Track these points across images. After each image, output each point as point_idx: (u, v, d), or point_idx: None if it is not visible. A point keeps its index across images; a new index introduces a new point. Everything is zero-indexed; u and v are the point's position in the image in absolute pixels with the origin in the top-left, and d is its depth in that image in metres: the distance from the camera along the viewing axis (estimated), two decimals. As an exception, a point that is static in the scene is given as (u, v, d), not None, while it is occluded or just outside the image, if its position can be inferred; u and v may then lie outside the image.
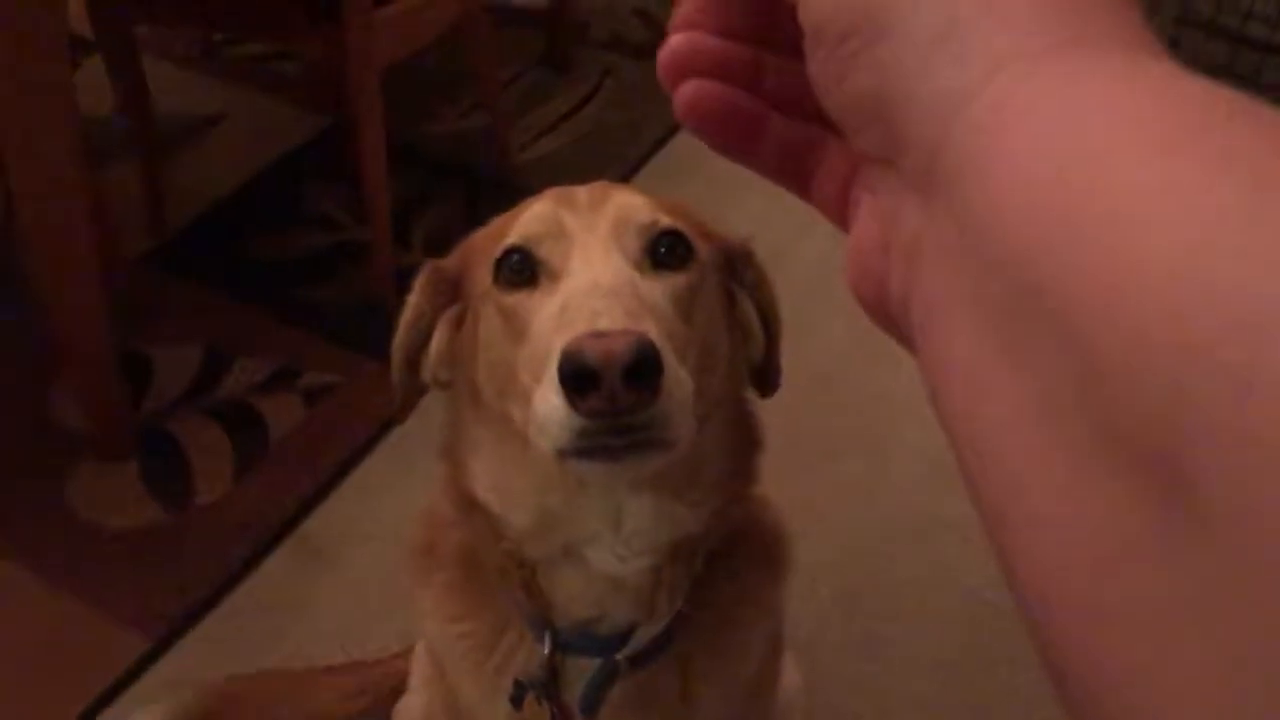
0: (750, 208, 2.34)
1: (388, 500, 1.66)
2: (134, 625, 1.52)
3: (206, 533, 1.63)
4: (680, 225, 0.75)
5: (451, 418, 0.84)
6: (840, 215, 0.34)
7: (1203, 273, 0.19)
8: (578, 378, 0.61)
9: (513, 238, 0.75)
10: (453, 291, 0.83)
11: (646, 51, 2.70)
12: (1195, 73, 0.23)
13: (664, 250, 0.74)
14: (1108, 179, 0.21)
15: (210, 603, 1.55)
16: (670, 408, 0.63)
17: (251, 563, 1.60)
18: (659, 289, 0.72)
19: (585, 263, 0.71)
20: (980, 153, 0.24)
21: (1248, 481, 0.17)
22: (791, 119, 0.35)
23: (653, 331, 0.63)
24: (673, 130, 2.47)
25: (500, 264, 0.75)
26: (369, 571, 1.58)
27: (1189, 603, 0.18)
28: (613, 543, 0.77)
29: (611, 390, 0.60)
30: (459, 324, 0.82)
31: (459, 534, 0.85)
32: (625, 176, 2.33)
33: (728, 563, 0.85)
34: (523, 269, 0.74)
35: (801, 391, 1.95)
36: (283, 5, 1.74)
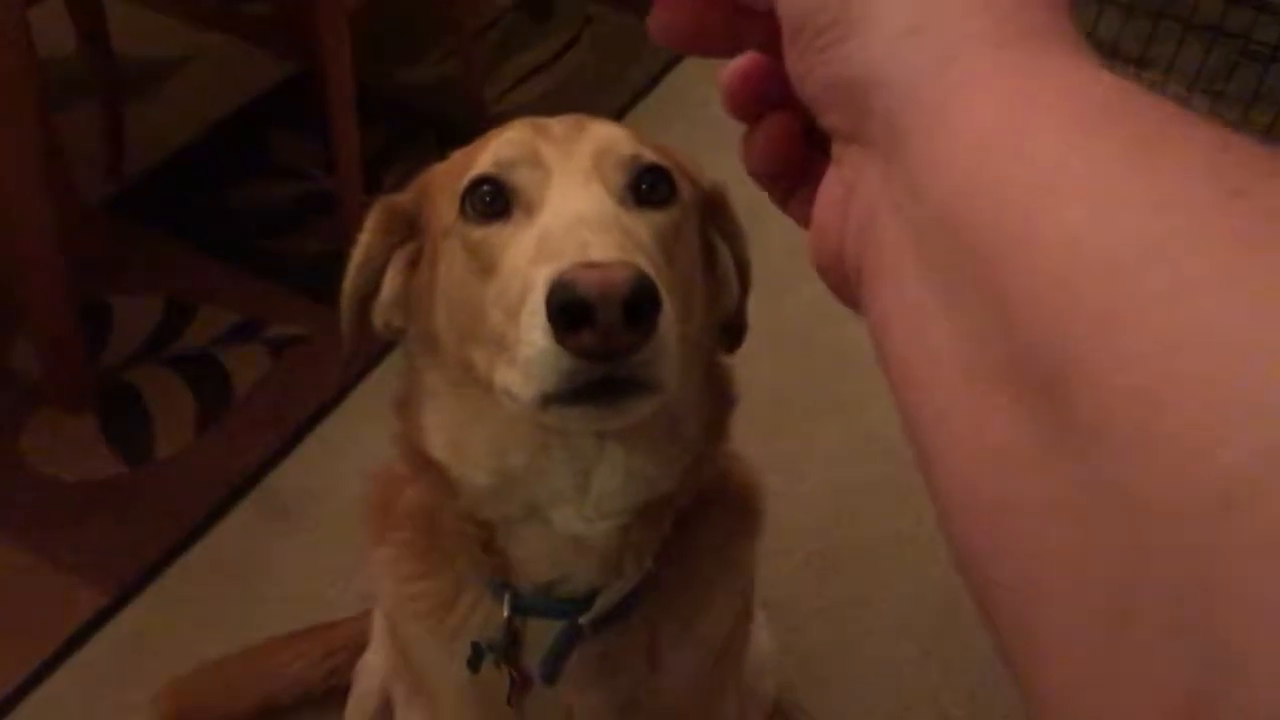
0: (731, 162, 2.28)
1: (354, 456, 1.61)
2: (90, 580, 1.48)
3: (167, 487, 1.59)
4: (665, 160, 0.70)
5: (405, 368, 0.80)
6: (804, 213, 0.37)
7: (1089, 241, 0.23)
8: (569, 311, 0.55)
9: (483, 166, 0.69)
10: (407, 229, 0.77)
11: (629, 1, 2.64)
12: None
13: (646, 186, 0.69)
14: (1031, 152, 0.25)
15: (169, 559, 1.51)
16: (664, 348, 0.58)
17: (212, 519, 1.56)
18: (642, 226, 0.66)
19: (565, 194, 0.65)
20: (930, 124, 0.28)
21: (1112, 408, 0.21)
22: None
23: (646, 267, 0.58)
24: (654, 81, 2.42)
25: (468, 194, 0.69)
26: (333, 529, 1.54)
27: (1065, 502, 0.22)
28: (579, 504, 0.73)
29: (608, 327, 0.55)
30: (414, 265, 0.77)
31: (415, 491, 0.81)
32: (603, 128, 2.27)
33: (698, 520, 0.81)
34: (494, 199, 0.68)
35: (780, 350, 1.92)
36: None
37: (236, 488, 1.59)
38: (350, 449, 1.64)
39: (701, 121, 2.34)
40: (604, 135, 0.70)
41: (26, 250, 1.55)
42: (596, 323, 0.55)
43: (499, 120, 2.40)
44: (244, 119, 2.23)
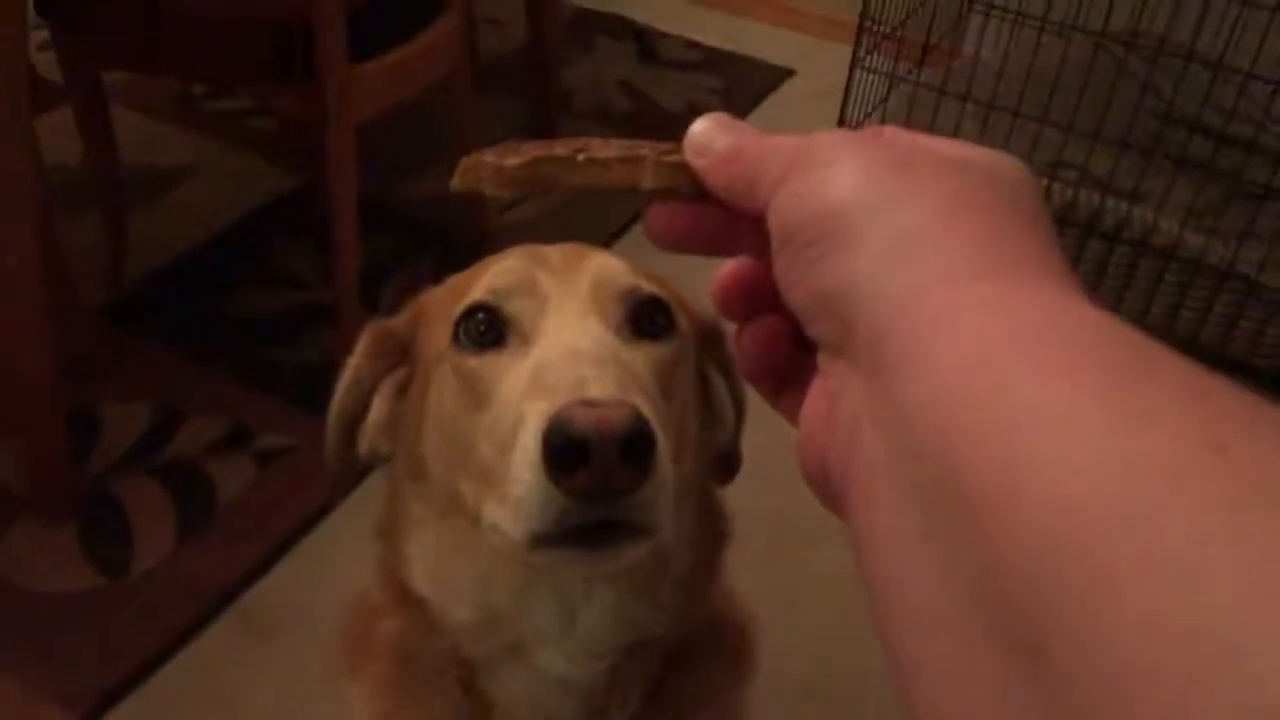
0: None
1: (338, 574, 1.56)
2: (57, 698, 1.42)
3: (143, 601, 1.54)
4: (664, 293, 0.69)
5: (389, 494, 0.77)
6: (794, 412, 0.37)
7: (1071, 506, 0.23)
8: (564, 451, 0.53)
9: (479, 293, 0.67)
10: (399, 354, 0.76)
11: (630, 122, 2.69)
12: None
13: (644, 318, 0.67)
14: (1011, 398, 0.25)
15: (141, 677, 1.46)
16: (660, 491, 0.56)
17: (187, 635, 1.51)
18: (640, 359, 0.65)
19: (561, 325, 0.63)
20: (912, 354, 0.28)
21: (1097, 690, 0.21)
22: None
23: (643, 406, 0.56)
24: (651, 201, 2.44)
25: (463, 322, 0.67)
26: (312, 650, 1.49)
27: None
28: (564, 644, 0.70)
29: (605, 467, 0.53)
30: (404, 390, 0.75)
31: (394, 622, 0.78)
32: (603, 245, 2.27)
33: (687, 662, 0.78)
34: (489, 328, 0.66)
35: (776, 477, 1.89)
36: (257, 58, 1.70)
37: (214, 603, 1.55)
38: (335, 565, 1.60)
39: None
40: (602, 266, 0.69)
41: (18, 360, 1.54)
42: (592, 463, 0.53)
43: (501, 237, 2.41)
44: (245, 229, 2.25)
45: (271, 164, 2.41)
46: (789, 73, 2.96)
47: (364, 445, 0.76)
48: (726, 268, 0.39)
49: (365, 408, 0.75)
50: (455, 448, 0.67)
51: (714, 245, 0.39)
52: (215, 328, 2.01)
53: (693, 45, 3.05)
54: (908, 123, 2.20)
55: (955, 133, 2.17)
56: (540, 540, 0.56)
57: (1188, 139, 2.16)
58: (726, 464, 0.80)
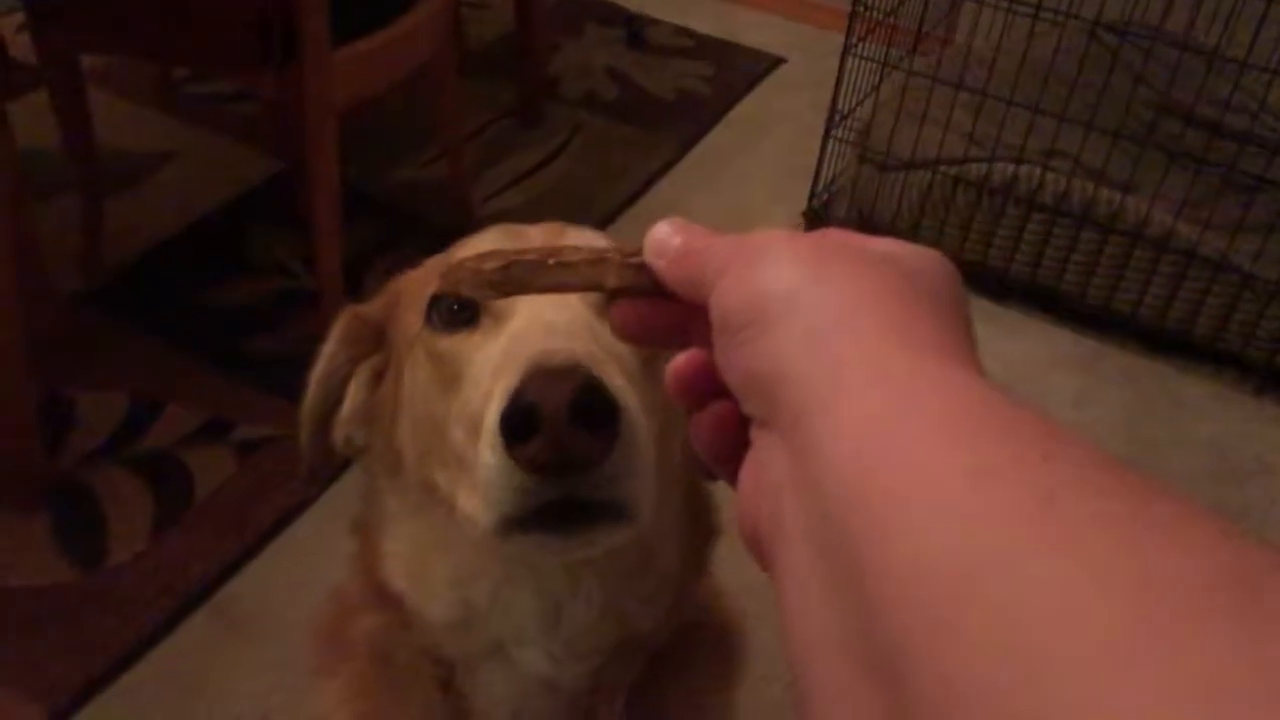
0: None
1: (317, 567, 1.54)
2: (28, 695, 1.39)
3: (117, 595, 1.51)
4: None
5: (366, 487, 0.74)
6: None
7: (918, 543, 0.26)
8: (518, 420, 0.50)
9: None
10: (374, 341, 0.73)
11: (617, 110, 2.65)
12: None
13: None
14: (890, 459, 0.28)
15: (114, 672, 1.42)
16: (630, 462, 0.52)
17: (163, 630, 1.48)
18: None
19: (536, 301, 0.61)
20: (823, 425, 0.31)
21: (941, 691, 0.24)
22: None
23: (612, 374, 0.54)
24: (640, 190, 2.42)
25: (435, 302, 0.65)
26: (290, 645, 1.46)
27: None
28: (547, 643, 0.67)
29: (555, 431, 0.49)
30: (378, 378, 0.72)
31: (370, 619, 0.75)
32: (589, 235, 2.25)
33: (674, 662, 0.75)
34: (462, 307, 0.64)
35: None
36: (236, 41, 1.66)
37: (191, 597, 1.52)
38: (314, 559, 1.57)
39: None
40: (582, 242, 0.67)
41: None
42: (543, 429, 0.50)
43: (485, 224, 2.38)
44: (225, 215, 2.21)
45: (252, 150, 2.37)
46: (780, 60, 2.93)
47: (339, 438, 0.73)
48: (679, 359, 0.42)
49: (341, 397, 0.73)
50: (428, 434, 0.65)
51: (674, 336, 0.42)
52: (194, 316, 1.97)
53: (683, 32, 3.02)
54: (900, 111, 2.18)
55: (948, 122, 2.14)
56: (510, 525, 0.54)
57: (1182, 129, 2.13)
58: None
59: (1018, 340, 2.14)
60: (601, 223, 2.30)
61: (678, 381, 0.42)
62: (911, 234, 2.23)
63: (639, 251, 0.42)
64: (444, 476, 0.62)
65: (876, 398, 0.31)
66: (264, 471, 1.69)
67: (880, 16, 2.22)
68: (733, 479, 0.40)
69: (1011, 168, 2.11)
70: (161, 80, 2.52)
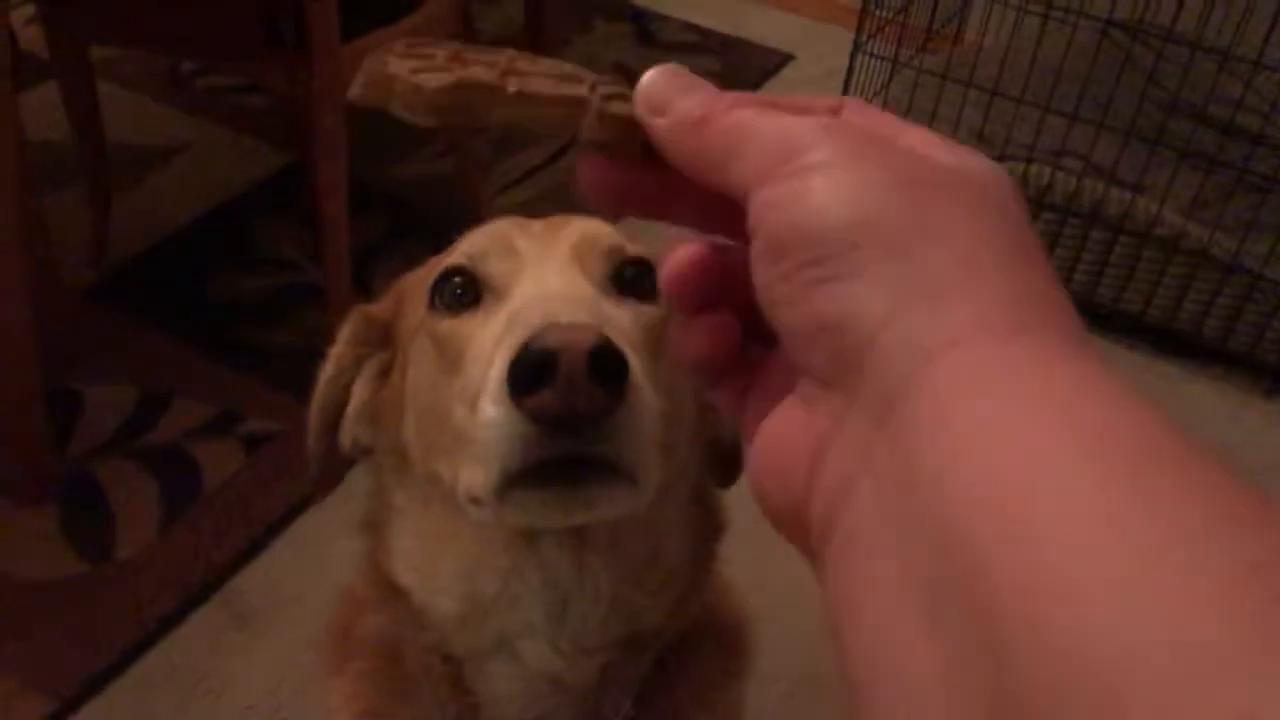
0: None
1: (325, 562, 1.54)
2: (35, 686, 1.39)
3: (125, 588, 1.51)
4: (651, 254, 0.65)
5: (373, 486, 0.74)
6: (736, 403, 0.35)
7: (1103, 619, 0.21)
8: (530, 370, 0.49)
9: (454, 257, 0.65)
10: (381, 340, 0.73)
11: (626, 106, 2.65)
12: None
13: (631, 280, 0.64)
14: (1044, 488, 0.23)
15: (121, 666, 1.43)
16: (636, 424, 0.52)
17: (170, 623, 1.48)
18: (625, 314, 0.61)
19: (538, 277, 0.60)
20: (928, 417, 0.26)
21: None
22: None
23: (618, 339, 0.52)
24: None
25: (438, 286, 0.64)
26: (298, 639, 1.46)
27: None
28: (554, 636, 0.67)
29: (570, 380, 0.48)
30: (384, 376, 0.72)
31: (378, 618, 0.75)
32: (597, 231, 2.25)
33: (682, 657, 0.75)
34: (465, 290, 0.63)
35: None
36: (245, 33, 1.66)
37: (198, 590, 1.52)
38: (322, 553, 1.57)
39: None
40: (586, 227, 0.66)
41: (-3, 335, 1.51)
42: (559, 379, 0.49)
43: (494, 218, 2.37)
44: (233, 209, 2.21)
45: (261, 143, 2.37)
46: (789, 57, 2.92)
47: (345, 439, 0.73)
48: (682, 254, 0.36)
49: (347, 400, 0.72)
50: (432, 425, 0.64)
51: (653, 209, 0.36)
52: (202, 309, 1.97)
53: (691, 28, 3.01)
54: (910, 109, 2.17)
55: (958, 120, 2.13)
56: (512, 482, 0.53)
57: (1193, 130, 2.13)
58: (726, 463, 0.76)
59: (1026, 340, 2.13)
60: (610, 220, 2.29)
61: (678, 284, 0.36)
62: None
63: (623, 93, 0.35)
64: (446, 464, 0.62)
65: (1012, 391, 0.26)
66: (271, 465, 1.69)
67: (890, 15, 2.21)
68: (733, 403, 0.36)
69: (1021, 167, 2.10)
70: (170, 73, 2.52)
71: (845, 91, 2.22)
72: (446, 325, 0.63)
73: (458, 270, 0.64)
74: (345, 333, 0.73)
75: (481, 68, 0.34)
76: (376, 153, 2.36)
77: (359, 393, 0.72)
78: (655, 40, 2.95)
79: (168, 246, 2.10)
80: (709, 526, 0.74)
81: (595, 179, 0.36)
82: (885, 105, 2.25)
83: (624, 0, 3.10)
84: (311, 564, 1.56)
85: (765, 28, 3.02)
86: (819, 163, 0.30)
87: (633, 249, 0.65)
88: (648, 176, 0.35)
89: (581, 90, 0.34)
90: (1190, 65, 2.07)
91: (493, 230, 0.66)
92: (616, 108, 0.34)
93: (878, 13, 2.19)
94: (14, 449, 1.59)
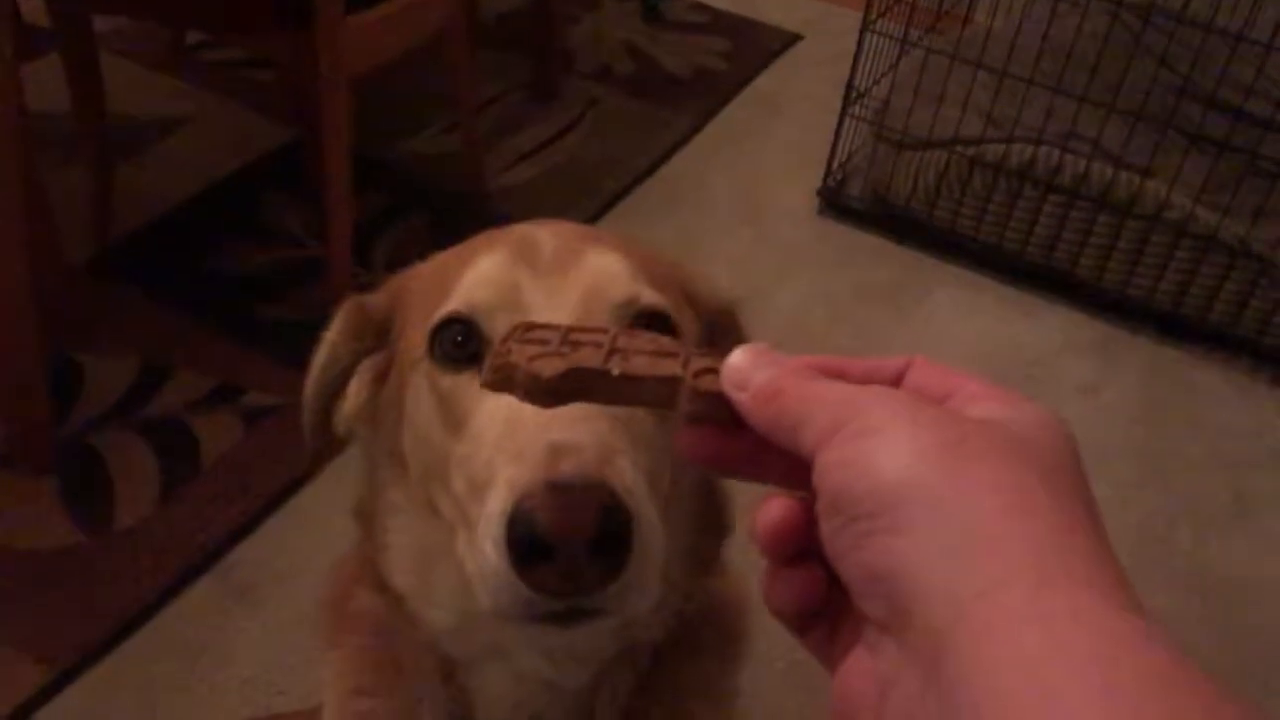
0: (726, 252, 2.27)
1: (323, 535, 1.54)
2: (34, 655, 1.39)
3: (123, 559, 1.51)
4: (664, 302, 0.62)
5: (368, 474, 0.72)
6: (822, 650, 0.38)
7: None
8: (529, 548, 0.48)
9: (455, 303, 0.62)
10: (377, 336, 0.71)
11: (633, 85, 2.63)
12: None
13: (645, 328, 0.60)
14: None
15: (119, 636, 1.43)
16: (638, 579, 0.50)
17: (168, 594, 1.48)
18: None
19: None
20: (972, 669, 0.28)
21: None
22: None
23: (625, 471, 0.51)
24: (655, 165, 2.40)
25: (438, 333, 0.62)
26: (295, 612, 1.46)
27: None
28: (549, 649, 0.66)
29: (571, 566, 0.48)
30: (382, 378, 0.70)
31: (372, 596, 0.74)
32: (601, 211, 2.24)
33: (680, 649, 0.73)
34: (466, 341, 0.61)
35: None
36: (251, 5, 1.64)
37: (197, 562, 1.52)
38: (320, 526, 1.56)
39: (702, 207, 2.32)
40: (598, 270, 0.62)
41: (-2, 308, 1.50)
42: (557, 562, 0.48)
43: (496, 197, 2.34)
44: (236, 183, 2.20)
45: (265, 116, 2.36)
46: (797, 37, 2.91)
47: (342, 428, 0.71)
48: (772, 510, 0.38)
49: (343, 385, 0.71)
50: (431, 462, 0.63)
51: (746, 470, 0.40)
52: (204, 283, 1.97)
53: (700, 7, 2.99)
54: (918, 90, 2.15)
55: (967, 101, 2.12)
56: (507, 617, 0.52)
57: (1203, 114, 2.11)
58: None
59: (1033, 323, 2.12)
60: (614, 198, 2.29)
61: (769, 538, 0.38)
62: (928, 213, 2.21)
63: (713, 365, 0.39)
64: (446, 504, 0.61)
65: (1044, 638, 0.28)
66: (271, 438, 1.69)
67: (900, -7, 2.20)
68: (808, 638, 0.38)
69: (1030, 149, 2.08)
70: (174, 45, 2.51)
71: (853, 71, 2.20)
72: (448, 383, 0.61)
73: (458, 320, 0.61)
74: (338, 321, 0.71)
75: (589, 349, 0.39)
76: (381, 128, 2.35)
77: (356, 391, 0.71)
78: (664, 19, 2.93)
79: (170, 219, 2.09)
80: (714, 528, 0.73)
81: (693, 447, 0.40)
82: (893, 85, 2.24)
83: (632, -22, 3.08)
84: (310, 538, 1.56)
85: (774, 8, 3.00)
86: (872, 428, 0.33)
87: (648, 298, 0.62)
88: (739, 442, 0.39)
89: (676, 367, 0.39)
90: (1201, 49, 2.05)
91: (497, 274, 0.62)
92: (707, 383, 0.39)
93: (887, -8, 2.17)
94: (15, 420, 1.59)
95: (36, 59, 2.15)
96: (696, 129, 2.53)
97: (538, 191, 2.28)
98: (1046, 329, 2.12)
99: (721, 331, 0.71)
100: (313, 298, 1.92)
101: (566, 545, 0.47)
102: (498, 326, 0.60)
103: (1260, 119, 2.11)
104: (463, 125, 2.17)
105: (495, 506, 0.50)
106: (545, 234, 0.65)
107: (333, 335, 0.71)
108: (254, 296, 1.94)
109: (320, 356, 0.71)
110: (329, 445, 0.74)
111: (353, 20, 1.66)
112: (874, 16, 2.16)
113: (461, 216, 2.16)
